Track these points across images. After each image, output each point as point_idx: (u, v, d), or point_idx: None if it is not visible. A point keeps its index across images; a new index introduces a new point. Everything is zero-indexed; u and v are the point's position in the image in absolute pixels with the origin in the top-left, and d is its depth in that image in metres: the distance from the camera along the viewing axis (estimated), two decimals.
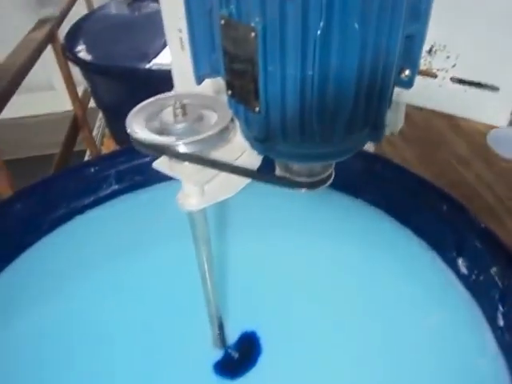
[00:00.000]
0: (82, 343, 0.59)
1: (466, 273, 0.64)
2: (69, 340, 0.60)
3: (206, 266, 0.48)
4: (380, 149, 1.22)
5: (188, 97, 0.38)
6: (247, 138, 0.26)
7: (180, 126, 0.35)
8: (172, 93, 0.38)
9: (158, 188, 0.83)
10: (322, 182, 0.28)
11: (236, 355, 0.58)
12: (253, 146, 0.26)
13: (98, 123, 2.01)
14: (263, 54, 0.20)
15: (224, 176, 0.42)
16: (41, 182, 0.76)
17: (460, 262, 0.65)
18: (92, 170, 0.79)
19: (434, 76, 0.28)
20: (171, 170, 0.39)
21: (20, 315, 0.64)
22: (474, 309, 0.61)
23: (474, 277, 0.63)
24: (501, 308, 0.58)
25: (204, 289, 0.51)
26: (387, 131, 0.88)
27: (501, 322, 0.57)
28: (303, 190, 0.29)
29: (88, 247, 0.73)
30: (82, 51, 1.21)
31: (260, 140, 0.24)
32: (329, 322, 0.60)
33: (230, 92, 0.23)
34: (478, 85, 0.26)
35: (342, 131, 0.21)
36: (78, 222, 0.78)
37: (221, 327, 0.56)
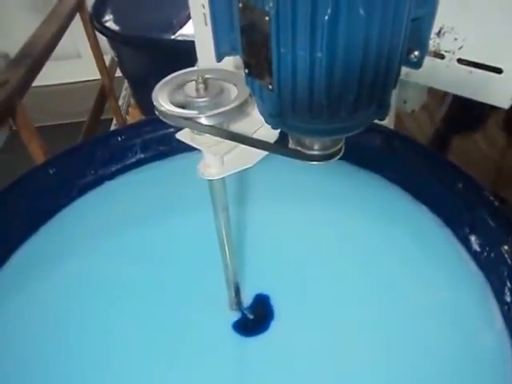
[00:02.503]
0: (108, 299, 0.64)
1: (478, 249, 0.66)
2: (94, 294, 0.65)
3: (223, 233, 0.51)
4: (403, 125, 1.21)
5: (210, 72, 0.40)
6: (262, 112, 0.28)
7: (202, 100, 0.38)
8: (195, 68, 0.41)
9: (182, 158, 0.86)
10: (333, 155, 0.30)
11: (251, 316, 0.62)
12: (267, 121, 0.28)
13: (123, 93, 2.04)
14: (276, 37, 0.21)
15: (242, 148, 0.45)
16: (71, 149, 0.80)
17: (473, 239, 0.67)
18: (119, 138, 0.83)
19: (442, 57, 0.29)
20: (193, 141, 0.42)
21: (54, 269, 0.69)
22: (483, 284, 0.63)
23: (485, 254, 0.64)
24: (509, 284, 0.59)
25: (222, 254, 0.54)
26: (408, 108, 0.88)
27: (508, 298, 0.59)
28: (314, 163, 0.31)
29: (113, 213, 0.77)
30: (109, 21, 1.23)
31: (273, 115, 0.26)
32: (341, 292, 0.63)
33: (246, 71, 0.25)
34: (483, 66, 0.27)
35: (348, 109, 0.23)
36: (106, 188, 0.82)
37: (237, 291, 0.60)
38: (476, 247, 0.66)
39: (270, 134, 0.42)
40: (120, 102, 2.03)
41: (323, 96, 0.22)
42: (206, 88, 0.38)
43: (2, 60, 2.14)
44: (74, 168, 0.79)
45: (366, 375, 0.55)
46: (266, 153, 0.44)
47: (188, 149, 0.46)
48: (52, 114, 2.42)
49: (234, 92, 0.39)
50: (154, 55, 1.14)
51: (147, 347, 0.58)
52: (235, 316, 0.61)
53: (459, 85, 0.29)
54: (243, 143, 0.36)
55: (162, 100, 0.37)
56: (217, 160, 0.43)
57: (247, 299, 0.63)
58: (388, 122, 0.79)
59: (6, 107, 0.79)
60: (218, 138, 0.40)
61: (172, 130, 0.80)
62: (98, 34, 1.41)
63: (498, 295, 0.61)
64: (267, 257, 0.68)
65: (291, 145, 0.32)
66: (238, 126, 0.43)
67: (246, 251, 0.69)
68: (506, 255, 0.60)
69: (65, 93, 2.52)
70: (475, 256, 0.66)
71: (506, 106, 0.28)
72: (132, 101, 1.83)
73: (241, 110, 0.37)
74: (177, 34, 1.08)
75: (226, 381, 0.55)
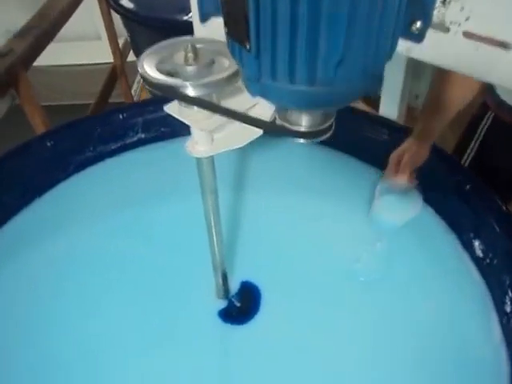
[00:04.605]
0: (93, 275, 0.62)
1: (481, 255, 0.62)
2: (81, 269, 0.64)
3: (211, 216, 0.48)
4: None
5: (202, 42, 0.38)
6: (243, 80, 0.26)
7: (190, 69, 0.35)
8: (186, 37, 0.38)
9: (184, 141, 0.84)
10: (321, 133, 0.27)
11: (238, 304, 0.60)
12: (247, 88, 0.26)
13: (138, 77, 2.03)
14: None
15: (233, 128, 0.42)
16: (71, 124, 0.78)
17: (476, 244, 0.63)
18: (120, 116, 0.81)
19: (446, 30, 0.26)
20: (181, 115, 0.39)
21: (44, 242, 0.67)
22: (484, 294, 0.60)
23: (488, 260, 0.61)
24: (510, 294, 0.56)
25: (209, 239, 0.52)
26: (420, 103, 0.84)
27: (508, 308, 0.56)
28: (301, 140, 0.28)
29: (107, 191, 0.75)
30: (124, 0, 1.21)
31: (252, 79, 0.24)
32: (332, 288, 0.61)
33: (226, 29, 0.23)
34: (490, 41, 0.24)
35: (331, 73, 0.21)
36: (104, 165, 0.81)
37: (225, 279, 0.58)
38: (479, 253, 0.63)
39: (266, 113, 0.40)
40: (134, 87, 2.02)
41: (304, 55, 0.20)
42: (195, 58, 0.36)
43: None
44: (72, 143, 0.78)
45: (350, 371, 0.53)
46: (258, 134, 0.42)
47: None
48: (69, 93, 2.41)
49: (226, 64, 0.36)
50: (167, 36, 1.11)
51: (132, 330, 0.56)
52: (222, 304, 0.59)
53: (464, 63, 0.26)
54: (227, 116, 0.33)
55: (148, 67, 0.35)
56: (206, 137, 0.41)
57: (235, 287, 0.61)
58: (398, 116, 0.75)
59: (8, 77, 0.78)
60: (206, 113, 0.38)
61: None
62: (113, 14, 1.39)
63: (499, 305, 0.58)
64: (258, 246, 0.66)
65: (278, 121, 0.29)
66: (231, 103, 0.40)
67: (237, 240, 0.67)
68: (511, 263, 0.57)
69: (83, 74, 2.51)
70: (478, 263, 0.63)
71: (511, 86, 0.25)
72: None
73: (229, 81, 0.34)
74: (190, 15, 1.05)
75: (209, 367, 0.53)
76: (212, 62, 0.36)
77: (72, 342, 0.56)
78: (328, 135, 0.29)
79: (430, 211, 0.70)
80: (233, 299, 0.60)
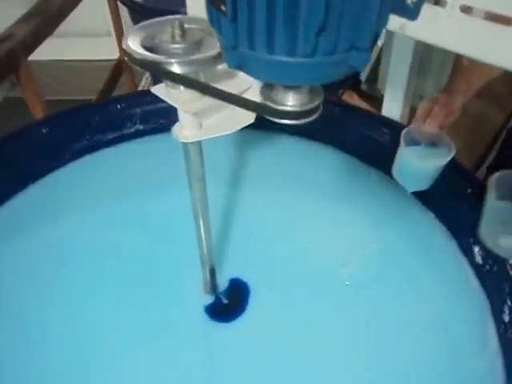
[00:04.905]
0: (83, 262, 0.61)
1: (480, 262, 0.60)
2: (71, 255, 0.63)
3: (198, 206, 0.47)
4: None
5: (192, 21, 0.36)
6: (221, 48, 0.24)
7: (176, 47, 0.34)
8: (176, 16, 0.37)
9: None
10: (307, 113, 0.26)
11: (226, 301, 0.58)
12: (226, 59, 0.24)
13: (146, 73, 2.02)
14: None
15: (223, 114, 0.41)
16: (68, 111, 0.77)
17: (476, 250, 0.61)
18: (118, 106, 0.80)
19: (443, 4, 0.24)
20: (168, 96, 0.38)
21: (36, 227, 0.67)
22: (482, 302, 0.58)
23: (487, 267, 0.59)
24: (509, 302, 0.54)
25: (196, 230, 0.50)
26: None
27: (506, 318, 0.54)
28: (287, 121, 0.26)
29: (101, 181, 0.74)
30: None
31: (229, 48, 0.22)
32: (325, 288, 0.59)
33: None
34: (491, 16, 0.23)
35: (312, 42, 0.19)
36: (102, 154, 0.79)
37: (212, 273, 0.56)
38: (479, 260, 0.60)
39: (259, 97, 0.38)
40: (143, 83, 2.01)
41: (282, 20, 0.18)
42: (182, 36, 0.34)
43: None
44: (68, 130, 0.77)
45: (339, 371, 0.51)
46: (248, 122, 0.40)
47: None
48: (75, 88, 2.42)
49: (214, 44, 0.35)
50: None
51: (114, 319, 0.55)
52: (209, 299, 0.57)
53: (463, 41, 0.24)
54: (212, 96, 0.32)
55: (133, 43, 0.34)
56: (193, 122, 0.39)
57: (223, 283, 0.59)
58: (401, 117, 0.73)
59: (8, 61, 0.77)
60: (192, 95, 0.37)
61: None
62: (121, 11, 1.39)
63: (496, 314, 0.55)
64: (250, 244, 0.64)
65: (260, 100, 0.27)
66: (222, 85, 0.39)
67: (229, 236, 0.65)
68: (510, 271, 0.55)
69: (92, 69, 2.51)
70: (477, 270, 0.60)
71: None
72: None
73: (215, 60, 0.33)
74: None
75: (191, 362, 0.52)
76: (200, 41, 0.35)
77: (60, 327, 0.55)
78: (315, 117, 0.27)
79: (429, 215, 0.68)
80: (221, 295, 0.58)
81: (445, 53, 0.68)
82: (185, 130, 0.40)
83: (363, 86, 0.92)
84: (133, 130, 0.82)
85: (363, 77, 0.91)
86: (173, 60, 0.32)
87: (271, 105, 0.27)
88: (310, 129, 0.80)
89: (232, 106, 0.41)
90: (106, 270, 0.61)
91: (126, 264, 0.61)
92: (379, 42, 0.88)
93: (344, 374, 0.51)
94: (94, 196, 0.71)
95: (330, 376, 0.51)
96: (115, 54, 1.98)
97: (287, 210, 0.68)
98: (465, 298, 0.58)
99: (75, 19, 1.10)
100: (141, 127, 0.82)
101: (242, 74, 0.37)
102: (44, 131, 0.74)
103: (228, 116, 0.41)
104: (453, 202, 0.65)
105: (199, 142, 0.42)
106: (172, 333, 0.55)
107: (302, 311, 0.56)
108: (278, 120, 0.28)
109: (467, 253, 0.62)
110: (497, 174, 0.52)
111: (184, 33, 0.34)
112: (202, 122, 0.40)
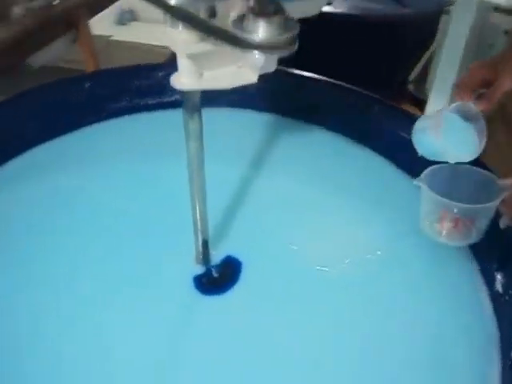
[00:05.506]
0: (81, 219, 0.62)
1: (500, 291, 0.54)
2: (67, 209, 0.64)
3: (193, 165, 0.46)
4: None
5: None
6: None
7: None
8: None
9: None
10: (280, 46, 0.23)
11: (216, 275, 0.56)
12: None
13: None
14: None
15: (226, 69, 0.40)
16: (110, 70, 0.80)
17: (499, 277, 0.54)
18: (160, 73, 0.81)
19: None
20: (168, 39, 0.37)
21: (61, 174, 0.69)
22: (491, 336, 0.51)
23: (506, 297, 0.52)
24: None
25: (190, 193, 0.49)
26: None
27: None
28: (257, 55, 0.24)
29: (122, 144, 0.76)
30: None
31: None
32: (319, 274, 0.56)
33: None
34: None
35: None
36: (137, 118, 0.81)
37: (205, 245, 0.55)
38: (499, 288, 0.54)
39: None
40: None
41: None
42: None
43: (129, 14, 2.25)
44: (110, 89, 0.79)
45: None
46: (249, 81, 0.39)
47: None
48: None
49: None
50: None
51: (106, 268, 0.55)
52: (199, 270, 0.56)
53: None
54: (192, 25, 0.30)
55: None
56: (191, 69, 0.38)
57: (218, 258, 0.57)
58: None
59: (69, 17, 0.81)
60: (190, 36, 0.35)
61: None
62: None
63: (505, 349, 0.49)
64: (251, 224, 0.62)
65: (231, 29, 0.26)
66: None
67: (233, 214, 0.63)
68: None
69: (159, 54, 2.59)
70: (494, 298, 0.54)
71: None
72: None
73: None
74: None
75: (168, 325, 0.51)
76: None
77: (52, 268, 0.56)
78: (291, 51, 0.25)
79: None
80: (212, 269, 0.57)
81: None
82: (182, 77, 0.39)
83: (410, 87, 0.86)
84: (173, 98, 0.83)
85: (411, 76, 0.85)
86: None
87: (243, 35, 0.25)
88: (347, 126, 0.77)
89: (236, 63, 0.39)
90: (106, 223, 0.61)
91: (126, 219, 0.62)
92: None
93: (330, 357, 0.49)
94: (113, 155, 0.73)
95: (315, 357, 0.48)
96: None
97: (299, 199, 0.66)
98: (475, 328, 0.52)
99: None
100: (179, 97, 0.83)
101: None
102: (87, 85, 0.77)
103: (230, 72, 0.39)
104: None
105: (198, 97, 0.41)
106: (155, 291, 0.54)
107: (291, 298, 0.54)
108: (250, 53, 0.26)
109: (488, 278, 0.56)
110: (430, 168, 0.52)
111: None
112: (202, 72, 0.39)
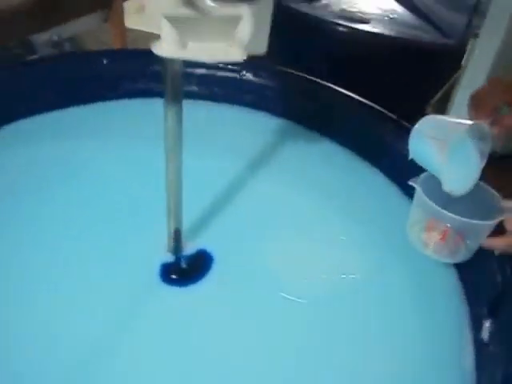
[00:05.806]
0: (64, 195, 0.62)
1: (485, 340, 0.48)
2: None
3: (169, 138, 0.44)
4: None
5: None
6: None
7: None
8: None
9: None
10: None
11: (184, 266, 0.54)
12: None
13: None
14: None
15: (212, 44, 0.38)
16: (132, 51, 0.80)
17: (487, 324, 0.49)
18: None
19: None
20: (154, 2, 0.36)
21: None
22: None
23: (491, 347, 0.47)
24: None
25: (166, 176, 0.47)
26: None
27: None
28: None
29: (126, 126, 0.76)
30: None
31: None
32: (297, 272, 0.55)
33: None
34: None
35: None
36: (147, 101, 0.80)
37: (178, 233, 0.52)
38: (485, 336, 0.48)
39: None
40: None
41: None
42: None
43: None
44: (127, 68, 0.79)
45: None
46: (234, 60, 0.37)
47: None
48: None
49: None
50: None
51: (79, 241, 0.55)
52: (169, 258, 0.53)
53: None
54: None
55: None
56: (172, 36, 0.36)
57: (190, 250, 0.55)
58: None
59: None
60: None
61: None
62: None
63: None
64: (230, 221, 0.59)
65: None
66: None
67: (208, 208, 0.61)
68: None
69: None
70: (479, 347, 0.48)
71: None
72: None
73: None
74: None
75: (124, 310, 0.49)
76: None
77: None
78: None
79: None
80: (181, 259, 0.54)
81: None
82: (163, 44, 0.37)
83: (428, 110, 0.81)
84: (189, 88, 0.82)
85: (435, 99, 0.81)
86: None
87: None
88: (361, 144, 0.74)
89: (226, 41, 0.38)
90: (88, 195, 0.61)
91: (108, 195, 0.61)
92: None
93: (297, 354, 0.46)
94: (114, 135, 0.73)
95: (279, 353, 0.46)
96: None
97: (282, 204, 0.64)
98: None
99: None
100: (196, 89, 0.82)
101: None
102: (105, 61, 0.78)
103: (217, 47, 0.38)
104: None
105: (179, 69, 0.39)
106: (118, 269, 0.52)
107: (255, 304, 0.51)
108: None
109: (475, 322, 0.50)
110: (422, 176, 0.49)
111: None
112: (186, 42, 0.37)
